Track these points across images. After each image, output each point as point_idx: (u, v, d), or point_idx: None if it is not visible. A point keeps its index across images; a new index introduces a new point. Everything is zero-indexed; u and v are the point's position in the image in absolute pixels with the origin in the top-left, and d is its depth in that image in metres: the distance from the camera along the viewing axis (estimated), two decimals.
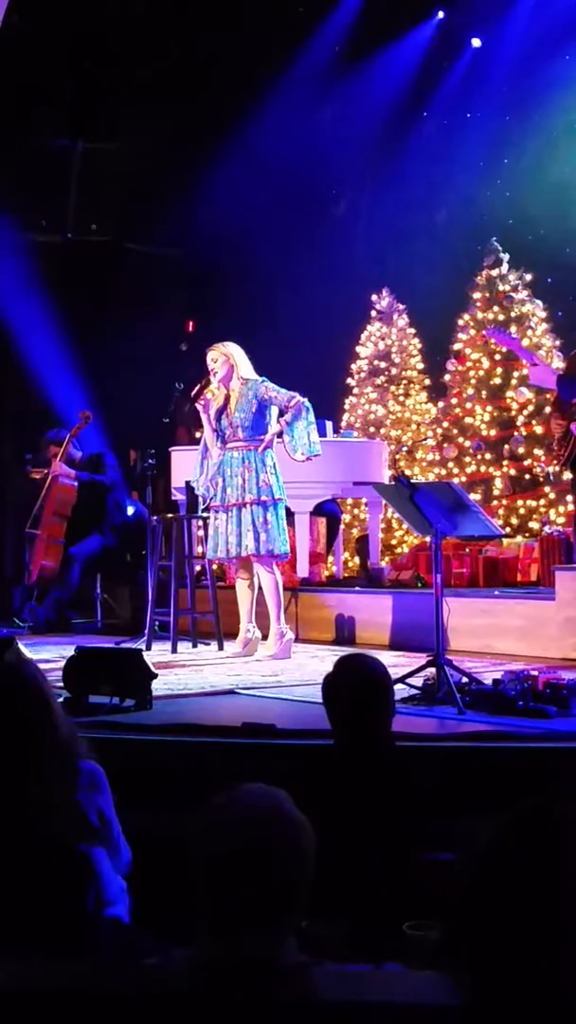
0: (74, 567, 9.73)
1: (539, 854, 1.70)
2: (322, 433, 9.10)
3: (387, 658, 5.42)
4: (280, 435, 7.89)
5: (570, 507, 9.88)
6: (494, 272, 11.40)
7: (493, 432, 11.02)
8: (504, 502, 10.75)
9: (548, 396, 9.41)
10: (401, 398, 12.61)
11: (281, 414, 7.87)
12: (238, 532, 7.78)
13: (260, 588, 7.97)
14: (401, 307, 12.79)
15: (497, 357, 11.10)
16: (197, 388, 7.99)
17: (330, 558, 10.65)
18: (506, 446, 10.89)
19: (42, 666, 3.47)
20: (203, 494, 8.08)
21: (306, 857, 2.11)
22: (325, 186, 13.47)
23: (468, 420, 11.21)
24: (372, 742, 3.72)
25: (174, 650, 8.16)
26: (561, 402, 7.61)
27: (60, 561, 9.74)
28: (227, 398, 7.91)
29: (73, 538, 9.83)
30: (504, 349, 10.41)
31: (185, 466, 9.78)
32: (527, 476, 10.83)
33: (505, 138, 12.30)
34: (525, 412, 10.93)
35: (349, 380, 12.81)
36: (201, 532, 8.82)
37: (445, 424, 11.43)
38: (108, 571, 10.22)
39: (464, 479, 10.81)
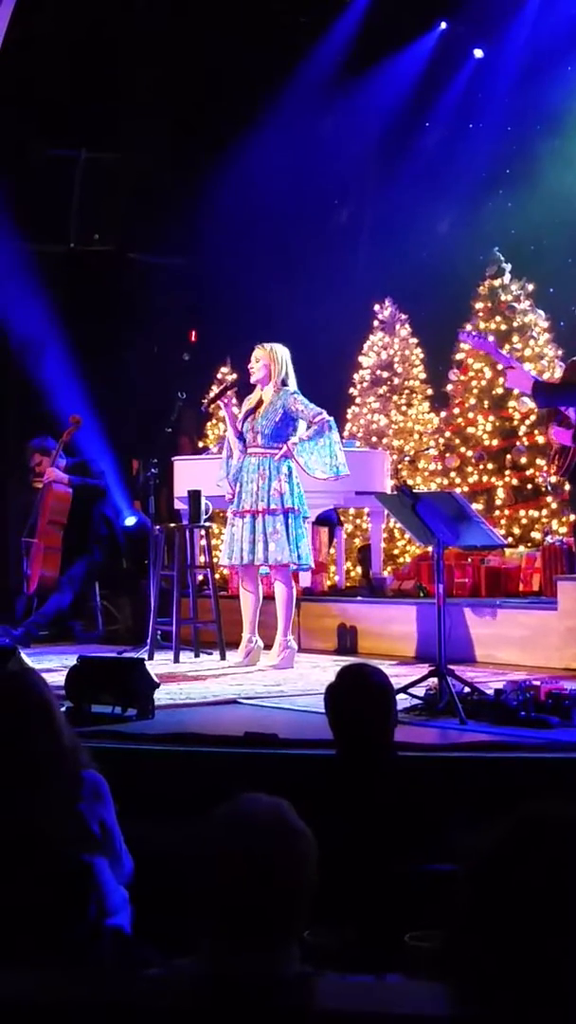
0: (66, 592, 9.63)
1: (540, 861, 1.70)
2: None
3: (389, 668, 5.41)
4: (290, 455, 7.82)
5: (572, 517, 9.87)
6: (496, 282, 11.38)
7: (495, 442, 11.01)
8: (506, 512, 10.74)
9: None
10: (403, 408, 12.61)
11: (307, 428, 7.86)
12: (251, 539, 7.77)
13: (267, 598, 7.95)
14: (403, 317, 12.80)
15: (499, 367, 11.08)
16: (222, 388, 8.00)
17: (332, 567, 10.64)
18: (508, 456, 10.87)
19: (45, 675, 3.47)
20: (226, 495, 8.07)
21: (308, 867, 2.11)
22: (328, 196, 13.49)
23: (470, 430, 11.19)
24: (374, 752, 3.72)
25: (176, 660, 8.16)
26: (556, 412, 7.56)
27: (59, 569, 9.67)
28: (260, 402, 7.91)
29: (66, 551, 9.77)
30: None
31: (187, 476, 9.78)
32: (529, 486, 10.81)
33: (507, 148, 12.31)
34: (527, 422, 10.91)
35: (351, 390, 12.80)
36: (203, 542, 8.82)
37: (447, 434, 11.42)
38: (107, 581, 10.18)
39: (466, 489, 10.79)
